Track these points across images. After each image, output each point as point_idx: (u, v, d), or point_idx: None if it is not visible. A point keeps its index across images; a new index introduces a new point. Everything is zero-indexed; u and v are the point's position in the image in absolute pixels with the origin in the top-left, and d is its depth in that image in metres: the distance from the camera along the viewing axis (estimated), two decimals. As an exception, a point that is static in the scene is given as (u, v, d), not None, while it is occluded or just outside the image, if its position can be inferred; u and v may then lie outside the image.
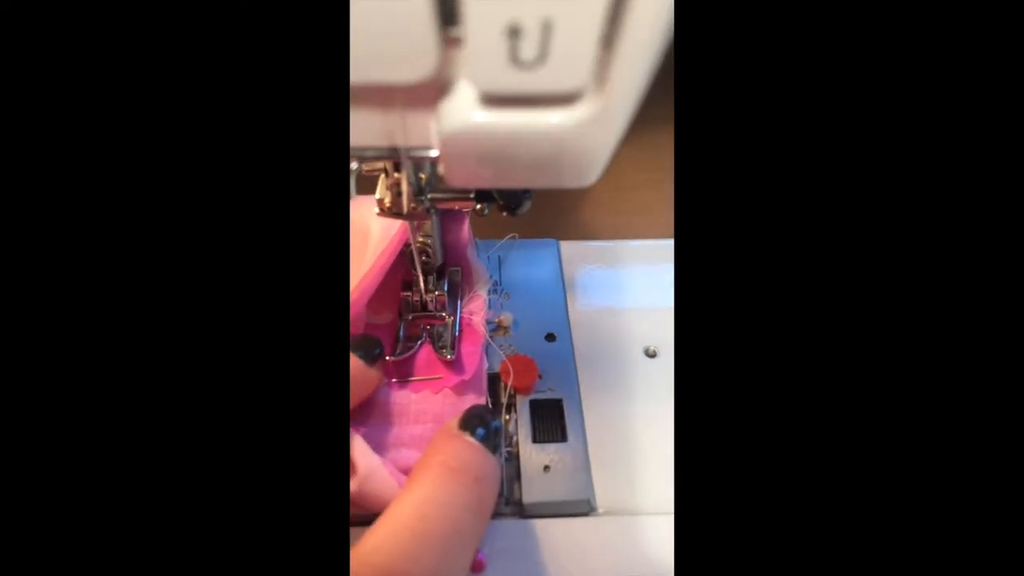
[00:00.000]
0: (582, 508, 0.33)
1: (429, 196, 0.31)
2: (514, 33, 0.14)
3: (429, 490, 0.25)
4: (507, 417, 0.37)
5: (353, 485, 0.31)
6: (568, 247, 0.46)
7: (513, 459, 0.35)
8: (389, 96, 0.18)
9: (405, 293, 0.38)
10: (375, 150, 0.22)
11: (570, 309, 0.42)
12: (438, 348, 0.38)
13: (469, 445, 0.27)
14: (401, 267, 0.39)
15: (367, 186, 0.31)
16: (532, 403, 0.37)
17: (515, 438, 0.36)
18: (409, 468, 0.33)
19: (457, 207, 0.32)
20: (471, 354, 0.38)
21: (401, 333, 0.39)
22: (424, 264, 0.37)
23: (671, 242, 0.46)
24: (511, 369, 0.37)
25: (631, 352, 0.40)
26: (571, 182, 0.22)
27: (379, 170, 0.30)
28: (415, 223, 0.33)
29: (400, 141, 0.21)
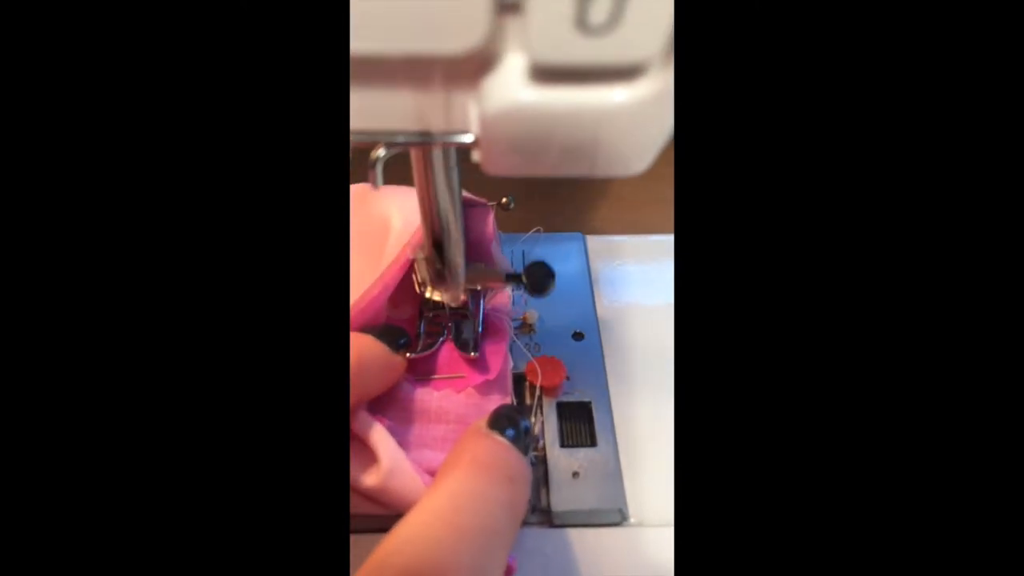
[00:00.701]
0: (614, 517, 0.32)
1: (466, 278, 0.32)
2: (585, -8, 0.12)
3: (462, 485, 0.23)
4: (533, 420, 0.35)
5: (374, 479, 0.29)
6: (595, 241, 0.44)
7: (540, 464, 0.33)
8: (426, 71, 0.17)
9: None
10: (405, 134, 0.21)
11: (597, 306, 0.40)
12: (460, 345, 0.36)
13: (500, 444, 0.25)
14: None
15: (398, 173, 0.30)
16: (559, 405, 0.35)
17: (542, 442, 0.34)
18: (431, 470, 0.31)
19: (489, 286, 0.35)
20: (496, 352, 0.36)
21: (422, 329, 0.37)
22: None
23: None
24: (538, 369, 0.36)
25: (662, 352, 0.38)
26: (623, 169, 0.20)
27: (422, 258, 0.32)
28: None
29: (434, 124, 0.20)
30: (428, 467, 0.31)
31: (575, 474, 0.33)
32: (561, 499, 0.32)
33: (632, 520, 0.32)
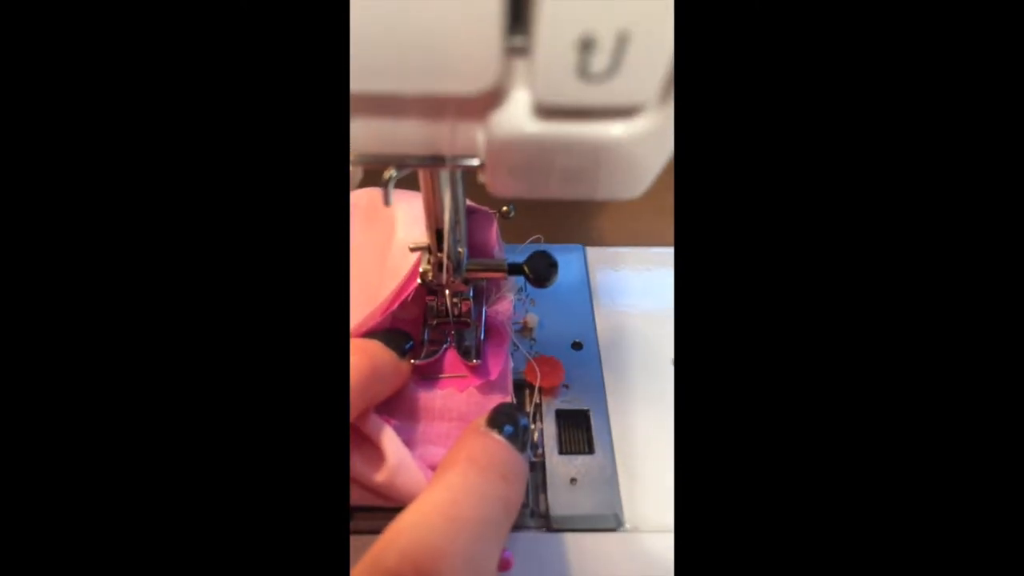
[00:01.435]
0: (609, 523, 0.33)
1: (467, 268, 0.34)
2: (587, 46, 0.13)
3: (459, 480, 0.24)
4: (533, 426, 0.36)
5: (383, 476, 0.31)
6: (594, 252, 0.45)
7: (539, 470, 0.34)
8: (439, 107, 0.18)
9: (430, 298, 0.38)
10: (416, 159, 0.22)
11: (596, 316, 0.41)
12: (463, 353, 0.37)
13: (496, 442, 0.26)
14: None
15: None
16: (558, 413, 0.36)
17: (541, 449, 0.35)
18: (435, 465, 0.32)
19: (491, 276, 0.36)
20: (496, 355, 0.37)
21: (426, 337, 0.38)
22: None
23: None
24: (537, 369, 0.37)
25: (659, 361, 0.39)
26: (621, 194, 0.21)
27: (423, 248, 0.34)
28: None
29: (443, 149, 0.21)
30: (432, 462, 0.33)
31: (573, 480, 0.34)
32: (559, 504, 0.33)
33: (627, 525, 0.33)
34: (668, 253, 0.46)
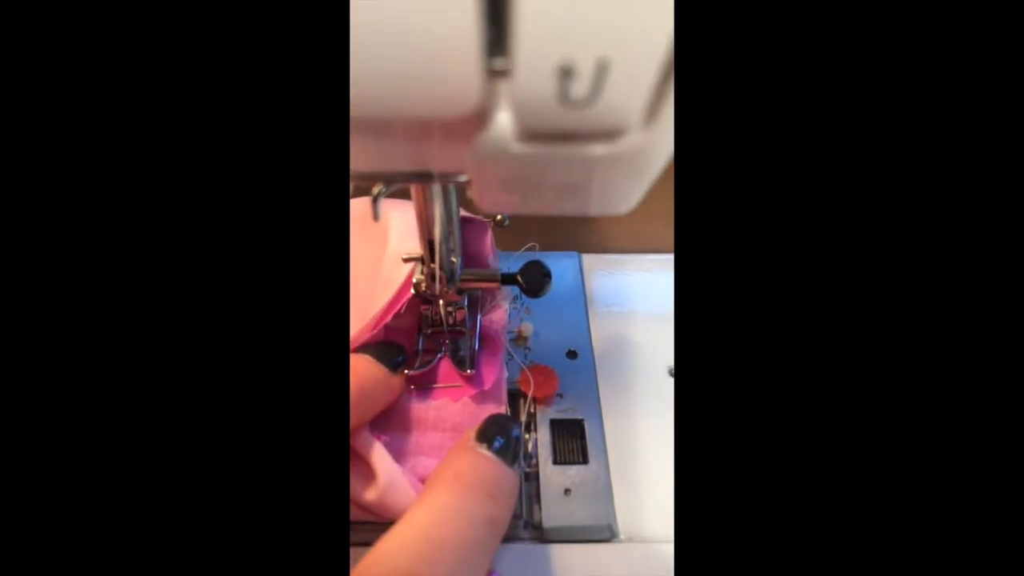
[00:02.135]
0: (603, 534, 0.33)
1: (460, 278, 0.34)
2: (565, 73, 0.13)
3: (444, 500, 0.24)
4: (527, 436, 0.36)
5: (373, 494, 0.31)
6: (590, 259, 0.45)
7: (533, 480, 0.34)
8: (425, 128, 0.18)
9: (424, 308, 0.38)
10: (404, 175, 0.22)
11: (591, 325, 0.41)
12: (457, 362, 0.37)
13: (484, 459, 0.26)
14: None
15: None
16: (553, 423, 0.36)
17: (535, 460, 0.35)
18: (427, 476, 0.32)
19: (484, 287, 0.36)
20: (491, 364, 0.37)
21: (420, 346, 0.38)
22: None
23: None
24: (531, 379, 0.37)
25: (655, 371, 0.39)
26: (612, 209, 0.21)
27: (416, 259, 0.34)
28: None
29: (433, 168, 0.21)
30: (423, 475, 0.33)
31: (567, 491, 0.34)
32: (552, 515, 0.33)
33: (622, 536, 0.33)
34: (665, 259, 0.46)
